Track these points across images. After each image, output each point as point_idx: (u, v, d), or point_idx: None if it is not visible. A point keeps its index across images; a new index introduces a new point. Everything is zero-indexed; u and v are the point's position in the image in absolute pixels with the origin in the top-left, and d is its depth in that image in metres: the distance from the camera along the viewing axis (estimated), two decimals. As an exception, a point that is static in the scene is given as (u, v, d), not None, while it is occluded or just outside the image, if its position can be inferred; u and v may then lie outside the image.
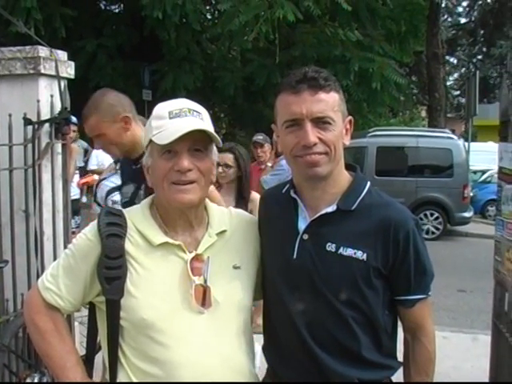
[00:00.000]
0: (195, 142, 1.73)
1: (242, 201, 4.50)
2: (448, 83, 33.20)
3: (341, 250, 1.77)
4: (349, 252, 1.77)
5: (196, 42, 15.52)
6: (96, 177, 8.45)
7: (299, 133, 1.75)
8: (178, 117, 1.74)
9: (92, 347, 1.95)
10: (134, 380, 1.74)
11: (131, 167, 3.08)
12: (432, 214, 13.12)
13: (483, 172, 18.28)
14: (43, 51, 3.98)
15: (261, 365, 2.04)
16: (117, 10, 17.55)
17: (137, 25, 15.05)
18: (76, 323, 4.16)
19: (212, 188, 3.42)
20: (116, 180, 3.77)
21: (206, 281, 1.75)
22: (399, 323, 1.93)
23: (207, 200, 1.90)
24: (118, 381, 1.77)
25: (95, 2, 16.84)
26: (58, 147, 4.11)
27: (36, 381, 3.64)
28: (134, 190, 3.05)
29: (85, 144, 13.90)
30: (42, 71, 3.93)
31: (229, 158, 4.60)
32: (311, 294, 1.80)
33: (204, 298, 1.74)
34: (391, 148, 13.25)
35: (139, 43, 15.46)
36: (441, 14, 23.39)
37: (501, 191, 3.45)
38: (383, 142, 13.13)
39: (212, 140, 1.79)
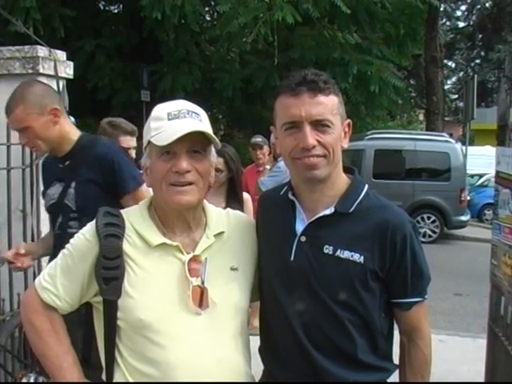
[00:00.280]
0: (194, 143, 1.73)
1: (235, 203, 4.49)
2: (446, 87, 33.25)
3: (338, 253, 1.78)
4: (346, 254, 1.77)
5: (195, 43, 15.51)
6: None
7: (298, 135, 1.75)
8: (177, 118, 1.74)
9: (89, 347, 1.95)
10: (130, 380, 1.74)
11: (58, 166, 2.93)
12: (429, 218, 13.15)
13: (480, 176, 18.32)
14: (42, 51, 3.99)
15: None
16: (116, 11, 17.54)
17: (136, 25, 15.04)
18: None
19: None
20: None
21: (203, 282, 1.75)
22: (395, 326, 1.93)
23: (205, 201, 1.90)
24: (114, 381, 1.77)
25: (94, 2, 16.82)
26: (57, 147, 4.11)
27: (32, 381, 3.63)
28: (63, 190, 2.88)
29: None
30: (41, 71, 3.94)
31: (219, 162, 4.43)
32: (308, 296, 1.80)
33: (201, 299, 1.74)
34: (389, 151, 13.27)
35: (138, 44, 15.44)
36: (439, 17, 23.45)
37: (498, 195, 3.46)
38: (381, 145, 13.15)
39: (211, 141, 1.79)
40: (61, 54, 4.18)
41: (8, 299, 3.91)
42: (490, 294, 3.61)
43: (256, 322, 2.05)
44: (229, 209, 2.03)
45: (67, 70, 4.20)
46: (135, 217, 1.83)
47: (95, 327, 1.85)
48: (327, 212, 1.81)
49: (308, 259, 1.80)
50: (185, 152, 1.73)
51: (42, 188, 3.94)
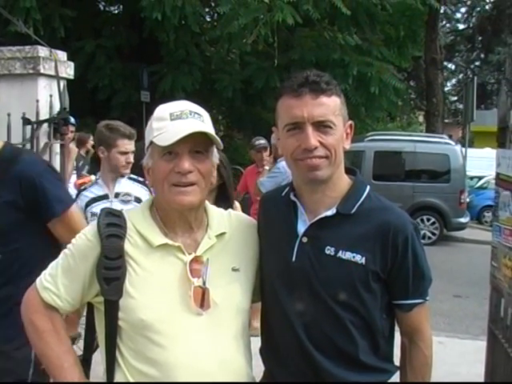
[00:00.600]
0: (196, 143, 1.73)
1: (227, 208, 4.45)
2: (446, 89, 33.26)
3: (340, 254, 1.78)
4: (347, 256, 1.77)
5: (195, 44, 15.50)
6: (93, 177, 8.44)
7: (300, 136, 1.75)
8: (179, 118, 1.74)
9: (90, 347, 1.95)
10: (131, 380, 1.74)
11: None
12: (428, 219, 13.14)
13: (480, 178, 18.32)
14: (43, 51, 3.98)
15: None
16: (116, 11, 17.53)
17: (136, 26, 15.05)
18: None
19: None
20: (96, 190, 3.78)
21: (204, 283, 1.75)
22: (396, 327, 1.93)
23: (207, 202, 1.90)
24: (114, 381, 1.77)
25: (94, 2, 16.83)
26: (57, 147, 4.12)
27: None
28: None
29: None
30: (42, 71, 3.94)
31: None
32: (309, 297, 1.80)
33: (203, 299, 1.74)
34: (389, 152, 13.28)
35: (138, 44, 15.45)
36: (439, 19, 23.45)
37: (498, 197, 3.45)
38: (381, 147, 13.16)
39: (213, 142, 1.79)
40: (61, 55, 4.18)
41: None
42: (489, 295, 3.61)
43: (256, 323, 2.05)
44: (230, 210, 2.03)
45: (68, 70, 4.19)
46: (137, 217, 1.83)
47: (96, 327, 1.85)
48: (329, 213, 1.81)
49: (310, 260, 1.80)
50: (187, 152, 1.73)
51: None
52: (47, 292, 1.79)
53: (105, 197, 3.78)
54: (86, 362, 1.95)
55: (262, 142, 6.64)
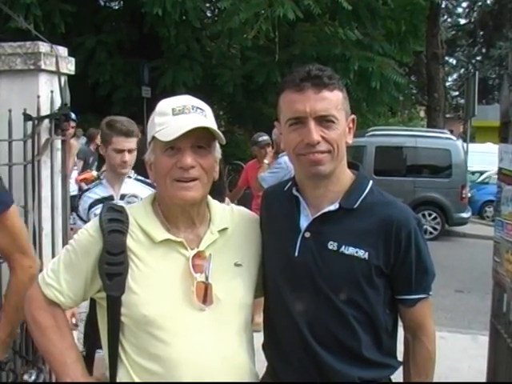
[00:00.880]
0: (198, 138, 1.73)
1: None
2: (447, 84, 33.23)
3: (342, 249, 1.77)
4: (350, 251, 1.77)
5: (196, 39, 15.48)
6: (94, 173, 8.44)
7: (302, 131, 1.74)
8: (182, 113, 1.74)
9: (92, 343, 1.94)
10: (134, 376, 1.74)
11: None
12: (430, 214, 13.13)
13: (481, 173, 18.29)
14: (43, 47, 3.96)
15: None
16: (116, 7, 17.53)
17: (136, 21, 15.02)
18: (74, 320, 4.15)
19: None
20: (101, 191, 3.59)
21: (207, 278, 1.75)
22: (400, 323, 1.93)
23: (209, 197, 1.90)
24: (117, 377, 1.77)
25: (95, -2, 16.83)
26: (58, 143, 4.10)
27: (33, 377, 3.64)
28: None
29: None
30: (43, 67, 3.91)
31: None
32: (312, 292, 1.80)
33: (205, 295, 1.74)
34: (390, 148, 13.25)
35: (139, 40, 15.42)
36: (441, 14, 23.39)
37: (500, 192, 3.44)
38: (382, 142, 13.14)
39: (215, 137, 1.78)
40: (62, 50, 4.16)
41: (9, 295, 3.90)
42: (492, 291, 3.60)
43: (259, 319, 2.04)
44: (233, 205, 2.02)
45: (69, 65, 4.17)
46: (139, 212, 1.82)
47: (99, 323, 1.85)
48: (332, 208, 1.80)
49: (312, 255, 1.79)
50: (189, 147, 1.72)
51: (43, 184, 3.95)
52: (49, 288, 1.79)
53: (109, 198, 3.55)
54: (88, 358, 1.94)
55: (265, 137, 6.62)
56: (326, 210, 1.81)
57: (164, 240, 1.76)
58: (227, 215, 1.92)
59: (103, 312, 1.79)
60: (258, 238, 1.95)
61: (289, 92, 1.78)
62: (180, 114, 1.74)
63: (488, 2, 33.38)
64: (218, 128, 1.78)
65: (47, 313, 1.79)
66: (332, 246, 1.78)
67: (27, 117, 3.84)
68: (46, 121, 3.95)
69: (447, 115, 29.21)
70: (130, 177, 3.64)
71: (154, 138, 1.76)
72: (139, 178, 3.66)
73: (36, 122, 3.86)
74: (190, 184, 1.73)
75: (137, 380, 1.73)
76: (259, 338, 1.98)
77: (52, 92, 3.98)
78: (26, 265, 2.26)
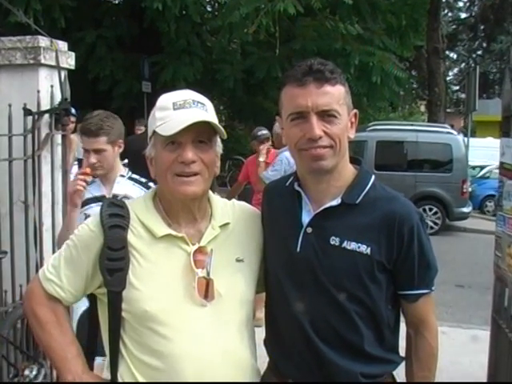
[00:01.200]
0: (199, 133, 1.72)
1: None
2: (448, 78, 33.20)
3: (345, 244, 1.76)
4: (353, 246, 1.76)
5: (196, 34, 15.45)
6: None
7: (304, 126, 1.73)
8: (183, 108, 1.73)
9: (93, 339, 1.94)
10: (135, 372, 1.73)
11: None
12: (431, 209, 13.13)
13: (482, 167, 18.29)
14: (43, 41, 3.96)
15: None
16: (116, 1, 17.45)
17: (136, 16, 14.99)
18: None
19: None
20: (94, 190, 3.32)
21: (208, 273, 1.74)
22: (402, 318, 1.92)
23: (210, 192, 1.89)
24: (118, 373, 1.76)
25: (95, -8, 16.77)
26: (58, 138, 4.10)
27: (34, 372, 3.64)
28: None
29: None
30: (43, 61, 3.91)
31: None
32: (314, 288, 1.79)
33: (207, 290, 1.73)
34: (391, 142, 13.25)
35: (139, 35, 15.39)
36: (441, 8, 23.32)
37: (502, 186, 3.44)
38: (383, 137, 13.14)
39: (216, 132, 1.77)
40: (62, 45, 4.16)
41: (10, 291, 3.90)
42: (493, 285, 3.60)
43: (260, 314, 2.04)
44: (234, 200, 2.01)
45: (69, 60, 4.17)
46: (140, 207, 1.81)
47: (99, 319, 1.84)
48: (334, 203, 1.79)
49: (314, 250, 1.78)
50: (190, 142, 1.71)
51: (44, 179, 3.95)
52: (50, 283, 1.78)
53: (101, 198, 3.27)
54: (89, 353, 1.93)
55: (265, 132, 6.61)
56: (327, 205, 1.80)
57: (165, 235, 1.76)
58: (228, 210, 1.91)
59: (104, 308, 1.78)
60: (260, 233, 1.94)
61: (290, 86, 1.77)
62: (181, 109, 1.73)
63: (489, -5, 33.30)
64: (219, 123, 1.77)
65: (48, 308, 1.79)
66: (334, 241, 1.77)
67: (27, 111, 3.83)
68: (46, 115, 3.95)
69: (448, 110, 29.19)
70: (123, 175, 3.39)
71: (154, 132, 1.75)
72: (133, 176, 3.43)
73: (36, 116, 3.86)
74: (191, 179, 1.72)
75: (137, 375, 1.73)
76: (261, 334, 1.97)
77: (52, 87, 3.98)
78: None
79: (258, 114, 15.96)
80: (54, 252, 3.19)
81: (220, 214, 1.86)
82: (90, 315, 1.92)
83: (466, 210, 13.36)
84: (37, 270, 3.51)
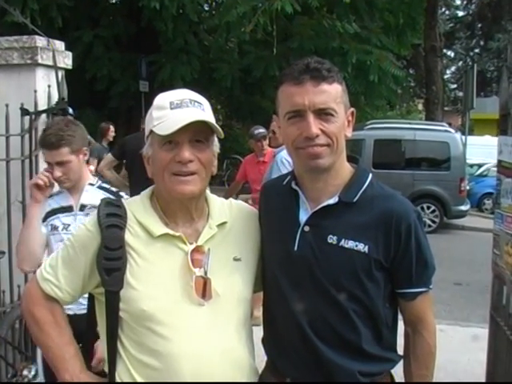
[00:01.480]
0: (196, 132, 1.72)
1: None
2: (445, 76, 33.16)
3: (342, 243, 1.76)
4: (350, 244, 1.76)
5: (193, 33, 15.47)
6: (92, 168, 8.42)
7: (301, 124, 1.73)
8: (180, 107, 1.72)
9: (91, 339, 1.94)
10: (133, 372, 1.73)
11: None
12: (429, 207, 13.13)
13: (480, 165, 18.29)
14: (40, 41, 3.96)
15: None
16: (114, 1, 17.45)
17: (134, 15, 15.00)
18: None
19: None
20: (61, 200, 3.13)
21: (206, 273, 1.74)
22: (400, 316, 1.92)
23: (208, 191, 1.89)
24: (116, 373, 1.76)
25: (92, -8, 16.77)
26: (56, 138, 4.09)
27: (33, 372, 3.64)
28: None
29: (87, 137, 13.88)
30: (40, 61, 3.91)
31: None
32: (312, 286, 1.79)
33: (204, 289, 1.73)
34: (388, 141, 13.25)
35: (136, 34, 15.40)
36: (439, 6, 23.32)
37: (500, 184, 3.44)
38: (380, 135, 13.14)
39: (213, 131, 1.77)
40: (59, 44, 4.16)
41: (8, 291, 3.90)
42: (491, 283, 3.60)
43: (258, 313, 2.04)
44: (231, 199, 2.01)
45: (66, 60, 4.17)
46: (137, 207, 1.81)
47: (97, 318, 1.84)
48: (331, 201, 1.79)
49: (312, 249, 1.78)
50: (187, 142, 1.71)
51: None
52: (47, 283, 1.78)
53: (68, 209, 3.09)
54: (87, 353, 1.93)
55: (262, 130, 6.61)
56: (325, 203, 1.80)
57: (162, 234, 1.75)
58: (226, 209, 1.91)
59: (102, 307, 1.78)
60: (257, 232, 1.94)
61: (287, 85, 1.77)
62: (178, 108, 1.72)
63: (486, -7, 33.30)
64: (216, 122, 1.77)
65: (45, 308, 1.79)
66: (331, 239, 1.77)
67: (24, 111, 3.83)
68: (44, 115, 3.95)
69: (445, 108, 29.16)
70: (92, 184, 3.15)
71: (151, 132, 1.75)
72: (103, 185, 3.20)
73: (33, 116, 3.86)
74: (189, 178, 1.72)
75: (135, 375, 1.72)
76: (259, 333, 1.97)
77: (49, 86, 3.98)
78: None
79: (256, 113, 15.98)
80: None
81: (217, 213, 1.86)
82: (89, 315, 1.92)
83: (463, 208, 13.37)
84: (34, 271, 3.50)
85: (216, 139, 1.81)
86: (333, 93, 1.74)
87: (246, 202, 2.00)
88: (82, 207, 3.07)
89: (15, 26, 8.20)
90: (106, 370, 1.79)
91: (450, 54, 37.73)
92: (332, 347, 1.78)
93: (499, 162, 3.50)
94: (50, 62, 3.97)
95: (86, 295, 1.90)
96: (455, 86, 37.73)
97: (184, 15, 14.07)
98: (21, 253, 3.05)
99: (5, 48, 3.93)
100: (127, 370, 1.74)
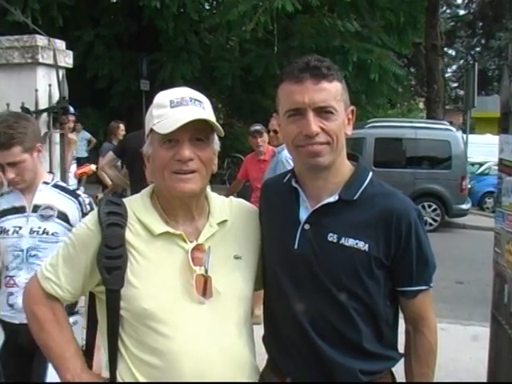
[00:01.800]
0: (196, 131, 1.71)
1: None
2: (446, 75, 33.16)
3: (342, 241, 1.76)
4: (350, 242, 1.76)
5: (194, 32, 15.47)
6: (93, 167, 8.43)
7: (301, 122, 1.73)
8: (180, 105, 1.72)
9: (91, 337, 1.94)
10: (134, 370, 1.73)
11: None
12: (430, 206, 13.11)
13: (481, 164, 18.28)
14: (41, 40, 3.96)
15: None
16: (114, 0, 17.46)
17: (134, 14, 15.01)
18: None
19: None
20: (13, 200, 2.90)
21: (206, 271, 1.74)
22: (400, 315, 1.92)
23: (208, 190, 1.89)
24: (117, 372, 1.76)
25: (93, -9, 16.77)
26: (56, 137, 4.10)
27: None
28: None
29: (88, 135, 13.90)
30: (40, 60, 3.91)
31: None
32: (312, 285, 1.79)
33: (205, 288, 1.73)
34: (389, 139, 13.23)
35: (137, 33, 15.41)
36: (440, 5, 23.30)
37: (501, 183, 3.43)
38: (381, 134, 13.11)
39: (213, 129, 1.77)
40: (60, 43, 4.15)
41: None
42: (493, 282, 3.60)
43: (259, 311, 2.04)
44: (231, 197, 2.01)
45: (66, 59, 4.17)
46: (137, 205, 1.81)
47: (98, 317, 1.85)
48: (331, 199, 1.79)
49: (312, 247, 1.78)
50: (187, 140, 1.71)
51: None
52: (48, 282, 1.78)
53: (20, 209, 2.86)
54: (88, 351, 1.93)
55: (258, 127, 6.62)
56: (325, 201, 1.80)
57: (163, 233, 1.75)
58: (226, 208, 1.90)
59: (102, 306, 1.78)
60: (257, 230, 1.94)
61: (287, 83, 1.77)
62: (178, 106, 1.72)
63: (487, -8, 33.28)
64: (217, 121, 1.77)
65: (46, 307, 1.79)
66: (332, 237, 1.77)
67: (25, 110, 3.83)
68: (44, 114, 3.95)
69: (447, 106, 29.15)
70: (46, 183, 2.93)
71: (151, 130, 1.75)
72: (59, 184, 3.01)
73: (34, 115, 3.85)
74: (189, 176, 1.72)
75: (136, 373, 1.72)
76: (259, 331, 1.97)
77: (50, 85, 3.98)
78: None
79: (257, 112, 15.99)
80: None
81: (218, 212, 1.86)
82: (89, 313, 1.92)
83: (465, 206, 13.35)
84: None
85: (216, 137, 1.81)
86: (333, 91, 1.74)
87: None
88: (36, 208, 2.84)
89: (16, 25, 8.21)
90: (104, 375, 1.79)
91: (451, 52, 37.74)
92: (333, 345, 1.78)
93: (500, 160, 3.49)
94: (51, 61, 3.97)
95: None
96: (456, 84, 37.72)
97: (185, 14, 14.08)
98: None
99: (6, 47, 3.93)
100: (128, 368, 1.74)
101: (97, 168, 7.23)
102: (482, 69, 28.76)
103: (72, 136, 6.25)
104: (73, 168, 8.06)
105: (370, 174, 1.87)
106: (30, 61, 3.90)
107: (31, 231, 2.81)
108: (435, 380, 1.93)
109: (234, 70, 14.96)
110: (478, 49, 36.70)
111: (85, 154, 13.08)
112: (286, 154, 5.34)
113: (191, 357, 1.70)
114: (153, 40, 15.13)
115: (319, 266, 1.78)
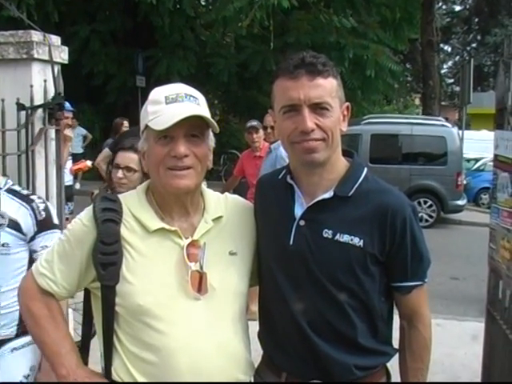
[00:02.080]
0: (192, 127, 1.71)
1: None
2: (442, 71, 33.21)
3: (337, 237, 1.76)
4: (345, 238, 1.76)
5: (190, 28, 15.45)
6: (89, 163, 8.41)
7: (296, 118, 1.73)
8: (175, 102, 1.72)
9: (87, 333, 1.94)
10: (129, 366, 1.73)
11: None
12: (426, 202, 13.14)
13: (476, 160, 18.31)
14: (36, 36, 3.94)
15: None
16: (110, -4, 17.41)
17: (130, 10, 14.96)
18: (70, 310, 4.14)
19: None
20: None
21: (202, 267, 1.74)
22: (395, 310, 1.93)
23: (203, 186, 1.89)
24: (113, 368, 1.76)
25: (88, -14, 16.72)
26: (52, 133, 4.08)
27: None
28: None
29: (83, 131, 13.89)
30: (35, 56, 3.89)
31: (132, 158, 3.02)
32: (307, 281, 1.79)
33: (200, 284, 1.73)
34: (385, 135, 13.24)
35: (133, 29, 15.37)
36: (436, 1, 23.29)
37: (496, 179, 3.45)
38: (377, 130, 13.13)
39: (209, 126, 1.77)
40: (55, 39, 4.14)
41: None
42: (488, 277, 3.61)
43: (254, 307, 2.04)
44: (227, 193, 2.01)
45: (62, 55, 4.15)
46: (133, 202, 1.81)
47: (93, 313, 1.84)
48: (326, 196, 1.79)
49: (307, 243, 1.79)
50: (183, 136, 1.70)
51: (37, 174, 3.93)
52: (43, 278, 1.78)
53: None
54: (84, 347, 1.93)
55: (254, 123, 6.61)
56: (320, 197, 1.80)
57: (158, 229, 1.75)
58: (221, 204, 1.91)
59: (98, 302, 1.78)
60: (253, 226, 1.94)
61: (283, 79, 1.77)
62: (173, 103, 1.72)
63: (483, -12, 33.29)
64: (213, 117, 1.77)
65: (41, 303, 1.79)
66: (327, 233, 1.77)
67: (20, 106, 3.82)
68: (40, 110, 3.93)
69: (442, 103, 29.20)
70: None
71: (147, 126, 1.75)
72: (13, 188, 2.68)
73: (29, 111, 3.84)
74: (184, 172, 1.72)
75: (132, 369, 1.72)
76: (255, 327, 1.97)
77: (45, 81, 3.96)
78: None
79: (253, 108, 15.96)
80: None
81: (213, 208, 1.86)
82: (85, 310, 1.92)
83: (460, 202, 13.38)
84: (30, 267, 3.50)
85: (211, 134, 1.81)
86: (328, 87, 1.74)
87: None
88: None
89: (11, 20, 8.17)
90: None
91: (447, 48, 37.77)
92: (328, 341, 1.79)
93: (495, 156, 3.51)
94: (46, 57, 3.94)
95: None
96: (452, 80, 37.75)
97: (180, 10, 14.06)
98: None
99: (0, 43, 3.91)
100: (123, 364, 1.74)
101: (93, 164, 7.21)
102: (477, 65, 28.78)
103: (68, 132, 6.22)
104: (68, 164, 8.04)
105: (365, 170, 1.87)
106: (25, 56, 3.88)
107: None
108: (430, 375, 1.94)
109: (230, 66, 14.95)
110: (473, 45, 36.72)
111: (80, 150, 13.07)
112: (282, 150, 5.35)
113: (187, 353, 1.70)
114: (148, 36, 15.10)
115: (314, 262, 1.78)
